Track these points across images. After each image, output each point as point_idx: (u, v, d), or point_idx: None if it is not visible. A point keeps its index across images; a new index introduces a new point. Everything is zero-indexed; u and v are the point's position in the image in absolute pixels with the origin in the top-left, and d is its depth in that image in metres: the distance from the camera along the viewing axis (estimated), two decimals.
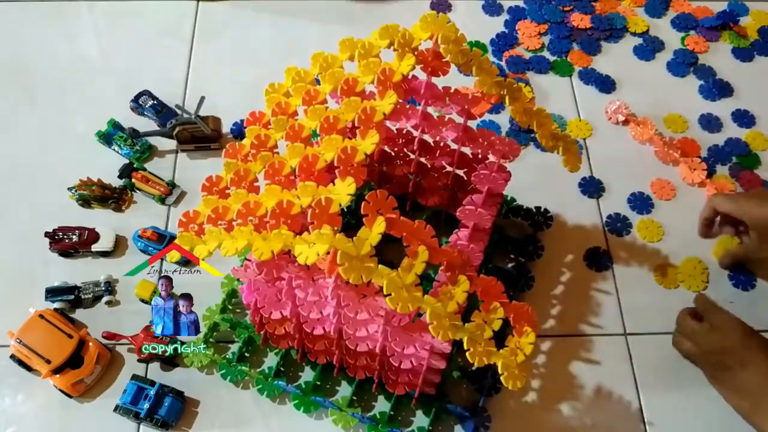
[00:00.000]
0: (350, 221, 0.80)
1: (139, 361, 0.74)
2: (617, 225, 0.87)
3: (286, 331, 0.70)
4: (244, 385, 0.74)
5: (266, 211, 0.55)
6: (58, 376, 0.71)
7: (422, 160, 0.77)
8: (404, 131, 0.76)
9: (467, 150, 0.73)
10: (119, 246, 0.82)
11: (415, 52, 0.60)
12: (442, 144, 0.75)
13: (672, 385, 0.76)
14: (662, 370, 0.77)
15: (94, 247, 0.80)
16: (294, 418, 0.72)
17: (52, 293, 0.77)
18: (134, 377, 0.73)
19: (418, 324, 0.59)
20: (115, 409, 0.71)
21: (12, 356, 0.73)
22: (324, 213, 0.52)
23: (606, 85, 0.99)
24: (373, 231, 0.52)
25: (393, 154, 0.79)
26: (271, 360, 0.75)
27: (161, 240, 0.80)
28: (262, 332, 0.73)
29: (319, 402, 0.72)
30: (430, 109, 0.69)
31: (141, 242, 0.80)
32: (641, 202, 0.89)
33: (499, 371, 0.54)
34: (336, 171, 0.55)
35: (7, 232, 0.83)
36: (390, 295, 0.51)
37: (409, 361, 0.63)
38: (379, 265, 0.51)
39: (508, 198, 0.86)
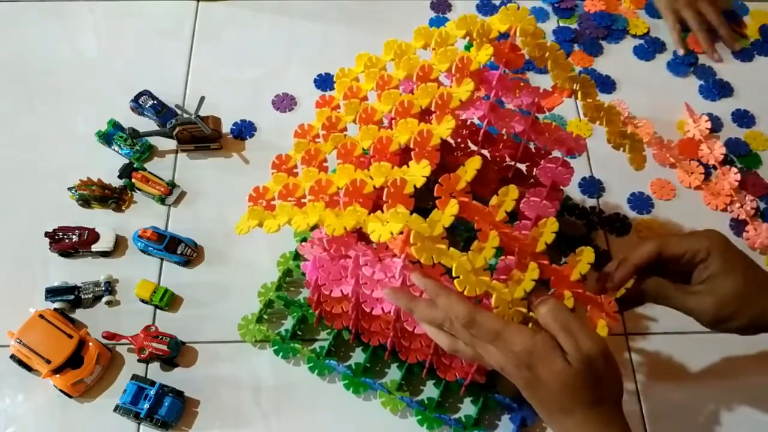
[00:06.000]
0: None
1: (139, 361, 0.74)
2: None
3: (343, 311, 0.71)
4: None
5: (337, 190, 0.57)
6: (58, 376, 0.71)
7: (484, 151, 0.77)
8: (468, 122, 0.76)
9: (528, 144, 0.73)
10: (119, 246, 0.82)
11: (492, 44, 0.61)
12: (505, 137, 0.75)
13: (672, 385, 0.76)
14: (662, 370, 0.77)
15: (94, 247, 0.80)
16: (295, 418, 0.73)
17: (52, 293, 0.77)
18: (134, 377, 0.73)
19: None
20: (115, 409, 0.71)
21: (12, 356, 0.73)
22: (398, 193, 0.54)
23: (607, 85, 0.99)
24: (446, 213, 0.53)
25: (454, 144, 0.79)
26: (322, 340, 0.77)
27: (161, 240, 0.80)
28: (317, 311, 0.74)
29: (369, 383, 0.73)
30: None
31: (141, 242, 0.80)
32: (641, 202, 0.89)
33: None
34: (412, 153, 0.56)
35: (7, 232, 0.83)
36: (458, 277, 0.52)
37: None
38: (451, 248, 0.52)
39: (564, 196, 0.86)
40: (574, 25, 1.06)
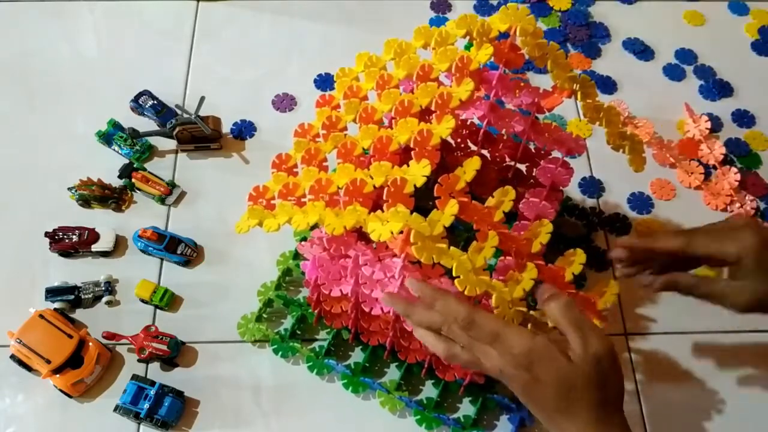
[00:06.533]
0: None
1: (139, 361, 0.74)
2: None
3: (342, 310, 0.72)
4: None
5: (337, 189, 0.57)
6: (58, 376, 0.71)
7: (483, 152, 0.77)
8: (468, 122, 0.76)
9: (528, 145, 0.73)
10: (119, 246, 0.82)
11: (492, 43, 0.61)
12: (505, 137, 0.75)
13: (672, 385, 0.76)
14: (662, 370, 0.77)
15: (94, 247, 0.80)
16: (295, 418, 0.73)
17: (52, 293, 0.77)
18: (134, 377, 0.73)
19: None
20: (115, 409, 0.71)
21: (12, 356, 0.73)
22: (399, 192, 0.54)
23: (607, 86, 0.99)
24: (446, 213, 0.53)
25: (454, 144, 0.79)
26: (321, 340, 0.77)
27: (161, 240, 0.80)
28: (317, 310, 0.74)
29: (368, 383, 0.73)
30: None
31: (141, 242, 0.80)
32: (641, 202, 0.89)
33: None
34: (412, 153, 0.56)
35: (7, 232, 0.83)
36: (458, 277, 0.52)
37: None
38: (451, 247, 0.53)
39: (564, 197, 0.87)
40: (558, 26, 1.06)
